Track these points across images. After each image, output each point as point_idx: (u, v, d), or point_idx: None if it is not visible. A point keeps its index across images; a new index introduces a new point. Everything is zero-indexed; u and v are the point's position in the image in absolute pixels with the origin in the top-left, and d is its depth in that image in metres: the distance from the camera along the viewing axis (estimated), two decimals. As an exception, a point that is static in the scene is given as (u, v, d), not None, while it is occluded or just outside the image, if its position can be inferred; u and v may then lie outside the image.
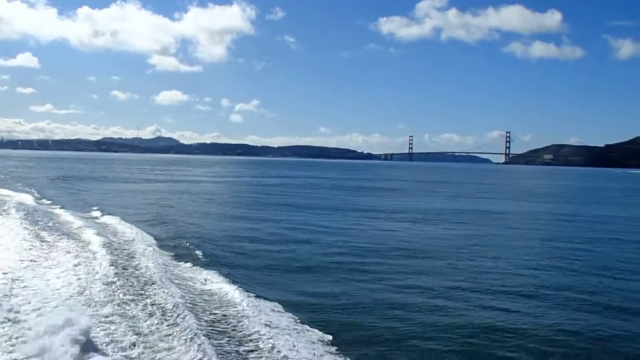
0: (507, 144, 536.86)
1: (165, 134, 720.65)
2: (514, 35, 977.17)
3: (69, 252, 18.79)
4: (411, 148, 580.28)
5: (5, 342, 10.40)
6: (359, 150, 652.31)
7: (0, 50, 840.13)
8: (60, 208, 33.32)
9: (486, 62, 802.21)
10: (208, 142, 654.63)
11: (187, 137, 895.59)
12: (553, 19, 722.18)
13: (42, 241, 20.67)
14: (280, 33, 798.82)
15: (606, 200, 62.86)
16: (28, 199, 37.39)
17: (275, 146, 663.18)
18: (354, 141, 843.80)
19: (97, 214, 31.11)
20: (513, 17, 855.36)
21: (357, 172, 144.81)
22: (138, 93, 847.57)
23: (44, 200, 38.37)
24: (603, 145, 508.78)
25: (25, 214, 27.70)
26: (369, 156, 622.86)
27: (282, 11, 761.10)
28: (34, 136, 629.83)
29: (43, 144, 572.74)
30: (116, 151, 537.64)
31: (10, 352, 9.98)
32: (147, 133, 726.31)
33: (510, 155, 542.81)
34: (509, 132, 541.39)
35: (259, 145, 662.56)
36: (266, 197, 50.99)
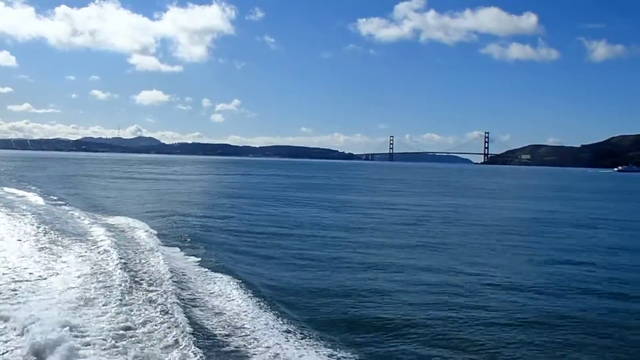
0: (486, 144, 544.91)
1: (146, 133, 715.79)
2: (491, 37, 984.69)
3: (73, 249, 19.85)
4: (392, 148, 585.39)
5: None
6: (340, 150, 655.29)
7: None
8: (64, 205, 35.98)
9: (465, 63, 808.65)
10: (189, 142, 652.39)
11: (168, 137, 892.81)
12: (529, 21, 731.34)
13: (47, 238, 21.84)
14: (260, 33, 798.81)
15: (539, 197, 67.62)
16: (32, 196, 40.07)
17: (257, 146, 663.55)
18: (336, 141, 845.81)
19: (100, 211, 33.61)
20: (490, 19, 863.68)
21: (322, 171, 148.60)
22: (118, 93, 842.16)
23: (48, 197, 40.69)
24: (579, 146, 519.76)
25: (30, 212, 29.47)
26: (350, 156, 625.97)
27: (262, 11, 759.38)
28: (12, 135, 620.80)
29: (21, 144, 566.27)
30: (96, 151, 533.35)
31: (4, 351, 10.36)
32: (127, 133, 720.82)
33: (489, 156, 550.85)
34: (488, 133, 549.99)
35: (240, 145, 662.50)
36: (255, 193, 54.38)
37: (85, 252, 19.71)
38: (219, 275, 17.29)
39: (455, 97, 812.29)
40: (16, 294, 13.83)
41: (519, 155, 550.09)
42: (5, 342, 10.81)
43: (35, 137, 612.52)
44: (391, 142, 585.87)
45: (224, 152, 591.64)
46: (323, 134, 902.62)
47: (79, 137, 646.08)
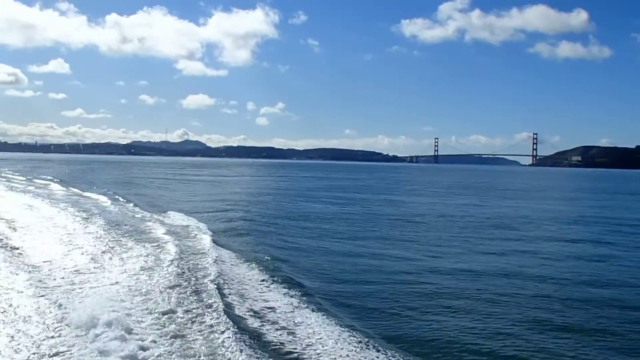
0: (535, 145, 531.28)
1: (193, 137, 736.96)
2: (539, 36, 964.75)
3: (133, 245, 21.21)
4: (436, 150, 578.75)
5: (51, 325, 11.67)
6: (384, 153, 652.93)
7: (34, 57, 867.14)
8: (128, 204, 38.11)
9: (511, 63, 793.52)
10: (234, 145, 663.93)
11: (214, 140, 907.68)
12: (579, 18, 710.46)
13: (111, 234, 23.69)
14: (304, 36, 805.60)
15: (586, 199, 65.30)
16: (98, 196, 42.62)
17: (301, 149, 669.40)
18: (380, 143, 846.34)
19: (158, 209, 35.08)
20: (537, 18, 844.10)
21: (366, 173, 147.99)
22: (165, 97, 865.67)
23: (113, 197, 43.25)
24: (634, 147, 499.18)
25: (98, 211, 31.95)
26: (394, 158, 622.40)
27: (305, 15, 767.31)
28: (66, 140, 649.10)
29: (74, 148, 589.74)
30: (145, 154, 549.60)
31: (53, 336, 11.06)
32: (174, 136, 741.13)
33: (538, 157, 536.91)
34: (536, 134, 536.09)
35: (284, 148, 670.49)
36: (306, 196, 55.10)
37: (143, 247, 21.03)
38: (266, 272, 17.73)
39: (502, 97, 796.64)
40: (75, 284, 15.14)
41: (569, 157, 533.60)
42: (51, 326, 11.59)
43: (87, 142, 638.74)
44: (436, 144, 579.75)
45: (268, 155, 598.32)
46: (367, 137, 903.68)
47: (128, 141, 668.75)
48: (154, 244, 21.85)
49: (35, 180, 65.04)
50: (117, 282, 15.53)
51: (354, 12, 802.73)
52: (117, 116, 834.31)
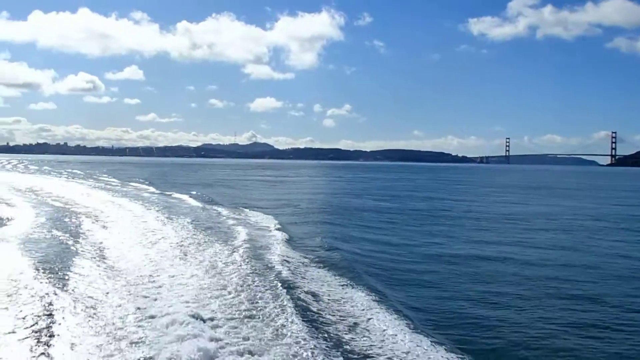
0: (613, 144, 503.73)
1: (261, 139, 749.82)
2: (617, 30, 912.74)
3: (213, 244, 21.61)
4: (508, 150, 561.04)
5: (133, 319, 12.10)
6: (453, 154, 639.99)
7: (110, 64, 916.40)
8: (211, 204, 39.59)
9: (587, 59, 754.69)
10: (302, 146, 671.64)
11: (281, 142, 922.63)
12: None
13: (193, 233, 24.49)
14: (369, 38, 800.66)
15: None
16: (182, 196, 44.91)
17: (368, 150, 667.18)
18: (449, 144, 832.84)
19: (237, 209, 36.00)
20: (614, 11, 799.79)
21: (438, 174, 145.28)
22: (234, 101, 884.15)
23: (195, 196, 45.36)
24: None
25: (182, 210, 33.60)
26: (464, 159, 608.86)
27: (370, 16, 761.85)
28: (140, 144, 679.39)
29: (148, 151, 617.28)
30: (214, 157, 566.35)
31: (135, 331, 11.42)
32: (243, 139, 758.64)
33: (617, 157, 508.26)
34: (615, 132, 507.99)
35: (351, 149, 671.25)
36: (375, 198, 55.13)
37: (221, 243, 22.01)
38: (337, 272, 17.68)
39: (578, 95, 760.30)
40: (155, 280, 15.83)
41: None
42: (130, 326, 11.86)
43: (160, 145, 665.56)
44: (507, 144, 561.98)
45: (335, 156, 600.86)
46: (435, 137, 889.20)
47: (198, 143, 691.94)
48: (231, 240, 22.70)
49: (125, 181, 68.80)
50: (195, 278, 16.08)
51: (419, 13, 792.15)
52: (187, 120, 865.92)
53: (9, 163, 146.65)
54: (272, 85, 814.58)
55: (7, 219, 28.31)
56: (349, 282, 16.46)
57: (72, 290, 14.33)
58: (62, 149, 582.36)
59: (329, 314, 13.29)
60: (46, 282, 14.84)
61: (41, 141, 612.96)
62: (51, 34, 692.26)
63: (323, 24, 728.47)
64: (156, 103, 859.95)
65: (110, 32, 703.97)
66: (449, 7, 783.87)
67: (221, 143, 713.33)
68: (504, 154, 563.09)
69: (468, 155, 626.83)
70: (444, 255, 22.60)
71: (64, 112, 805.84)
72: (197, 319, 12.07)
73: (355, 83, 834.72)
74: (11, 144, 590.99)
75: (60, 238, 22.51)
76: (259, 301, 13.84)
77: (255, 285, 15.30)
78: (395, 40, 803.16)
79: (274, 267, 17.89)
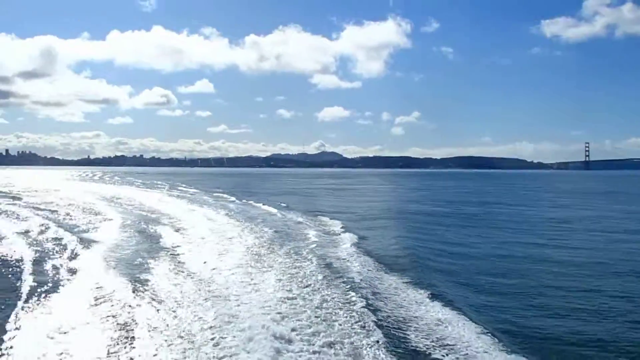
0: None
1: (329, 148, 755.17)
2: None
3: (289, 254, 21.65)
4: (587, 155, 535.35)
5: (213, 328, 12.22)
6: (528, 160, 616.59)
7: (183, 78, 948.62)
8: (287, 212, 40.49)
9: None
10: (370, 155, 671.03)
11: (350, 151, 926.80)
12: None
13: (272, 241, 24.80)
14: (437, 44, 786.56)
15: None
16: (260, 205, 46.15)
17: (438, 157, 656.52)
18: (523, 150, 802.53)
19: (316, 217, 36.60)
20: None
21: (512, 182, 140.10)
22: (302, 111, 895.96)
23: (274, 205, 46.54)
24: None
25: (262, 219, 34.59)
26: (539, 165, 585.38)
27: (437, 22, 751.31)
28: (211, 155, 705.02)
29: (219, 162, 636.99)
30: (283, 166, 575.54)
31: (214, 340, 11.54)
32: (311, 148, 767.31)
33: None
34: None
35: (421, 157, 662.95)
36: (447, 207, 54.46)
37: (297, 252, 22.07)
38: (411, 279, 17.60)
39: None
40: (232, 288, 15.98)
41: None
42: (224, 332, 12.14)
43: (231, 155, 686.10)
44: (587, 149, 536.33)
45: (405, 164, 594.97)
46: (508, 143, 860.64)
47: (268, 153, 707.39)
48: (305, 247, 23.21)
49: (203, 191, 71.63)
50: (271, 285, 16.40)
51: (488, 16, 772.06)
52: (257, 130, 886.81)
53: (94, 175, 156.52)
54: (339, 94, 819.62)
55: (103, 220, 30.91)
56: (424, 289, 16.35)
57: (152, 295, 15.05)
58: (138, 160, 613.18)
59: (406, 324, 13.17)
60: (127, 287, 15.70)
61: (119, 154, 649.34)
62: (128, 51, 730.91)
63: (389, 32, 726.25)
64: (226, 115, 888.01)
65: (182, 47, 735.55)
66: (520, 10, 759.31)
67: (290, 153, 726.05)
68: (584, 160, 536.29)
69: (544, 162, 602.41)
70: (519, 261, 22.01)
71: (139, 125, 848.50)
72: (274, 328, 12.24)
73: (423, 90, 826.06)
74: (91, 156, 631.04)
75: (143, 244, 24.05)
76: (336, 311, 13.86)
77: (331, 294, 15.37)
78: (463, 45, 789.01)
79: (348, 274, 18.11)
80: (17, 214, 36.40)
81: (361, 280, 17.30)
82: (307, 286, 16.34)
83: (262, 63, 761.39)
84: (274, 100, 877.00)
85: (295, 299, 14.91)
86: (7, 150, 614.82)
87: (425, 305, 14.79)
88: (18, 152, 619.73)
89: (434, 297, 15.55)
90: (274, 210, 41.36)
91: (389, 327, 12.88)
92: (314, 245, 23.94)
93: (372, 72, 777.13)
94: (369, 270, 19.03)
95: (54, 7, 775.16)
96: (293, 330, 12.27)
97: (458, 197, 67.83)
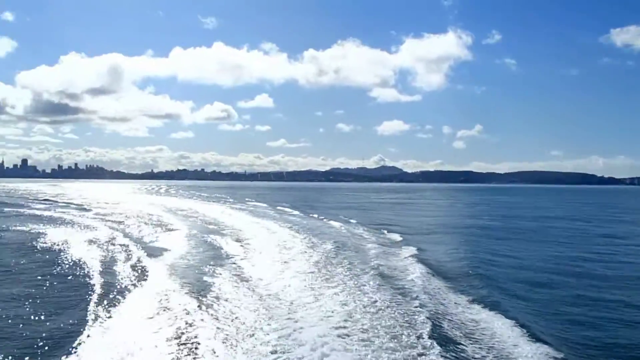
0: None
1: (389, 162, 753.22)
2: None
3: (352, 267, 21.26)
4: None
5: (277, 342, 12.08)
6: (599, 175, 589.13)
7: (243, 93, 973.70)
8: (351, 226, 39.90)
9: None
10: (431, 169, 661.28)
11: (410, 165, 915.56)
12: None
13: (332, 256, 24.15)
14: (499, 56, 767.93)
15: None
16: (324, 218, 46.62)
17: (502, 172, 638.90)
18: (594, 164, 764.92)
19: (379, 232, 36.08)
20: None
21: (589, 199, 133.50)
22: (361, 124, 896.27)
23: (336, 219, 46.39)
24: None
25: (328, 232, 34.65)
26: (612, 180, 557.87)
27: (499, 34, 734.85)
28: (270, 169, 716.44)
29: (278, 176, 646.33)
30: (342, 180, 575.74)
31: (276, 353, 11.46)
32: (371, 163, 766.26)
33: None
34: None
35: (483, 171, 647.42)
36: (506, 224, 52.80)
37: (361, 266, 21.71)
38: (476, 296, 17.09)
39: None
40: (295, 303, 15.80)
41: None
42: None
43: (290, 169, 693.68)
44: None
45: (466, 179, 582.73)
46: (577, 157, 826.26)
47: (327, 167, 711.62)
48: (369, 262, 22.81)
49: (266, 203, 73.01)
50: (334, 300, 16.13)
51: (553, 27, 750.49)
52: (316, 144, 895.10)
53: (160, 188, 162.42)
54: (399, 108, 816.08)
55: (169, 230, 32.08)
56: (489, 307, 15.76)
57: (214, 304, 15.22)
58: (199, 174, 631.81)
59: (472, 343, 12.63)
60: (191, 297, 15.91)
61: (181, 167, 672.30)
62: (190, 67, 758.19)
63: (449, 44, 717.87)
64: (285, 129, 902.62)
65: (242, 63, 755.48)
66: (587, 19, 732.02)
67: (349, 167, 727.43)
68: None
69: (616, 177, 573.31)
70: (562, 273, 21.73)
71: (201, 139, 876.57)
72: (338, 342, 12.12)
73: (485, 103, 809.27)
74: (155, 170, 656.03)
75: (207, 254, 24.60)
76: (400, 329, 13.38)
77: (395, 310, 14.96)
78: (527, 57, 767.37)
79: (408, 287, 17.82)
80: (87, 225, 38.11)
81: (423, 294, 16.88)
82: (367, 300, 16.05)
83: (320, 77, 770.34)
84: (333, 114, 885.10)
85: (356, 313, 14.62)
86: (76, 164, 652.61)
87: (484, 319, 14.40)
88: (86, 165, 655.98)
89: (489, 308, 15.41)
90: (336, 224, 41.31)
91: (454, 342, 12.37)
92: (373, 258, 23.84)
93: (432, 85, 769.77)
94: (429, 283, 18.69)
95: (119, 26, 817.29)
96: (356, 344, 12.03)
97: (516, 212, 65.84)
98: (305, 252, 25.52)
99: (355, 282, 18.46)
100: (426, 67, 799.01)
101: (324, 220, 45.16)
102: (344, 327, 13.27)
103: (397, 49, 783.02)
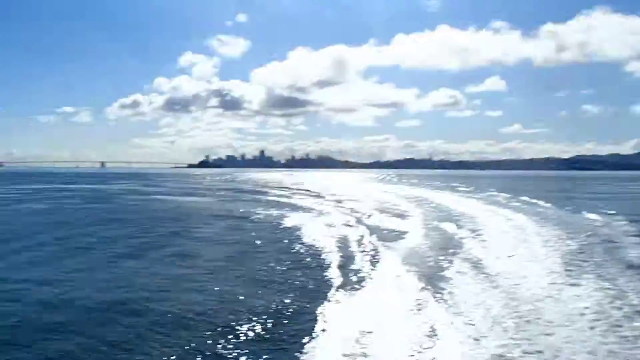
0: None
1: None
2: None
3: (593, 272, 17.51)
4: None
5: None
6: None
7: (471, 77, 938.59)
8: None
9: None
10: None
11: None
12: None
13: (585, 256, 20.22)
14: None
15: None
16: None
17: None
18: None
19: None
20: None
21: None
22: (614, 105, 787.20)
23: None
24: None
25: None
26: None
27: None
28: (503, 156, 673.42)
29: (511, 164, 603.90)
30: (590, 169, 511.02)
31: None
32: (626, 148, 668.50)
33: None
34: None
35: None
36: None
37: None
38: None
39: None
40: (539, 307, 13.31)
41: None
42: None
43: (526, 157, 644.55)
44: None
45: None
46: None
47: (570, 154, 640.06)
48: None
49: (508, 196, 65.30)
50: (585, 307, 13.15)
51: None
52: (556, 129, 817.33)
53: (390, 177, 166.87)
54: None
55: (403, 218, 31.88)
56: None
57: (450, 298, 14.08)
58: (425, 163, 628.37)
59: None
60: (426, 289, 14.94)
61: (407, 156, 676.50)
62: (413, 53, 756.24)
63: None
64: (520, 113, 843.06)
65: (469, 45, 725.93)
66: None
67: (598, 154, 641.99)
68: None
69: None
70: None
71: (428, 127, 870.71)
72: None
73: None
74: (382, 159, 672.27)
75: (443, 246, 22.78)
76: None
77: None
78: None
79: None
80: (321, 210, 40.00)
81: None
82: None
83: (561, 54, 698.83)
84: (578, 94, 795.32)
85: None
86: (307, 155, 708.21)
87: None
88: (317, 155, 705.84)
89: None
90: (590, 215, 35.17)
91: None
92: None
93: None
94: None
95: (341, 17, 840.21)
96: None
97: None
98: (553, 249, 21.90)
99: (611, 283, 15.44)
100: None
101: (573, 212, 38.77)
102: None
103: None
